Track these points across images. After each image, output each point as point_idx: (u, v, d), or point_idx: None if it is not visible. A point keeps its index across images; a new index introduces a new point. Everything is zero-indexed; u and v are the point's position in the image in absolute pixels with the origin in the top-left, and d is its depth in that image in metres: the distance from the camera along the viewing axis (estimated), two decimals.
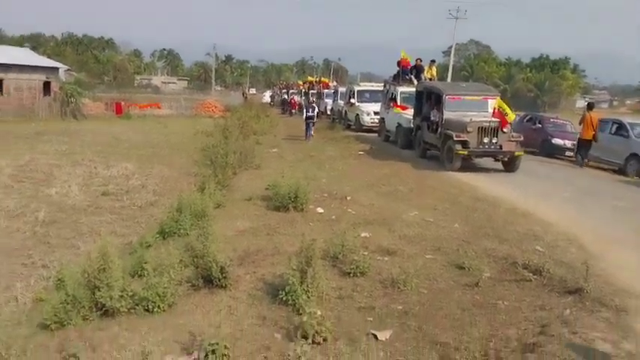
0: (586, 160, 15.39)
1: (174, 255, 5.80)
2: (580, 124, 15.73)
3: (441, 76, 64.01)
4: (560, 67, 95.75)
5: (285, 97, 44.56)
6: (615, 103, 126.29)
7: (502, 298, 5.24)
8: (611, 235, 7.35)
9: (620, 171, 14.54)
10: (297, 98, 39.43)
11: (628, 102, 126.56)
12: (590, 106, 15.94)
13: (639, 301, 4.97)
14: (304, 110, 21.36)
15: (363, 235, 7.27)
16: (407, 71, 18.71)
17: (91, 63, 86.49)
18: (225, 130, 19.46)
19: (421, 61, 18.97)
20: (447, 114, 13.25)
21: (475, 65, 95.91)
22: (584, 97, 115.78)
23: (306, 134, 19.91)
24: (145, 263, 5.65)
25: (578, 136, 15.91)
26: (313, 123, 20.05)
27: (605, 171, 14.99)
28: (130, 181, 12.16)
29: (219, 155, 12.70)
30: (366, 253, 6.41)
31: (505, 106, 12.50)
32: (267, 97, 61.06)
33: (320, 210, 8.80)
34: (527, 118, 20.44)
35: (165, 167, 14.22)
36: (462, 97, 13.65)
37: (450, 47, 50.45)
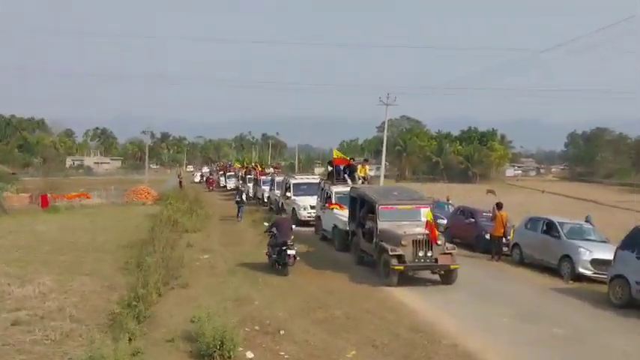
0: (497, 257, 16.66)
1: None
2: (492, 221, 17.15)
3: (377, 149, 65.60)
4: (488, 138, 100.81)
5: (208, 176, 61.09)
6: (542, 170, 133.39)
7: None
8: None
9: (556, 272, 14.62)
10: (214, 177, 56.96)
11: (553, 169, 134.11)
12: (499, 206, 17.02)
13: None
14: (236, 195, 27.03)
15: None
16: (340, 170, 18.68)
17: (16, 152, 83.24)
18: (152, 232, 18.57)
19: (354, 160, 19.06)
20: (382, 224, 13.04)
21: (408, 140, 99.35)
22: (514, 166, 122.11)
23: (238, 215, 24.92)
24: None
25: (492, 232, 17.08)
26: (242, 206, 25.30)
27: (542, 272, 15.00)
28: (46, 302, 11.02)
29: (141, 277, 11.82)
30: None
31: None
32: (197, 177, 70.85)
33: (250, 355, 8.05)
34: (460, 211, 20.71)
35: (87, 278, 13.15)
36: (396, 206, 13.53)
37: (383, 123, 51.98)
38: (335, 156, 18.88)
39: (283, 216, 15.25)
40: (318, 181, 21.41)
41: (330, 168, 20.14)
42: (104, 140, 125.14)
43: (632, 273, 11.08)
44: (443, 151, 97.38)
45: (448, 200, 27.66)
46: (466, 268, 13.55)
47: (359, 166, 18.92)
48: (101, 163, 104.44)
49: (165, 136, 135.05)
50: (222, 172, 54.35)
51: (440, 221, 19.52)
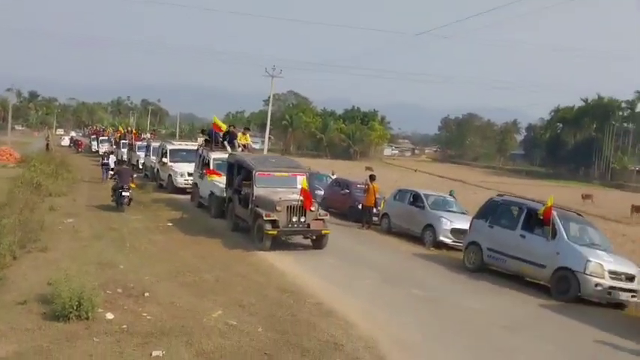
0: (367, 225, 17.37)
1: None
2: (364, 193, 17.69)
3: (263, 122, 65.55)
4: (370, 118, 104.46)
5: (76, 139, 64.22)
6: (417, 151, 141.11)
7: None
8: (408, 339, 7.52)
9: (420, 240, 15.60)
10: (83, 140, 61.12)
11: (427, 151, 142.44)
12: (372, 178, 17.77)
13: None
14: (102, 159, 27.30)
15: (154, 354, 6.42)
16: (218, 136, 18.33)
17: None
18: (11, 194, 17.03)
19: (234, 127, 18.79)
20: (258, 190, 13.04)
21: (294, 115, 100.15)
22: (391, 146, 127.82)
23: (103, 177, 25.05)
24: None
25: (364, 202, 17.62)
26: (108, 169, 25.06)
27: (407, 241, 15.93)
28: None
29: None
30: None
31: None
32: (66, 140, 70.01)
33: (110, 316, 7.68)
34: (336, 182, 21.31)
35: None
36: (272, 173, 13.59)
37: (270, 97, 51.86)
38: (214, 122, 18.45)
39: (124, 167, 19.67)
40: (196, 147, 20.86)
41: (204, 136, 19.84)
42: None
43: (485, 240, 12.14)
44: (327, 128, 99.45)
45: (333, 174, 28.31)
46: (337, 235, 14.03)
47: (239, 134, 18.65)
48: None
49: (33, 96, 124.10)
50: (94, 137, 51.15)
51: (317, 192, 19.98)
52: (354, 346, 6.97)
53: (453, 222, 15.12)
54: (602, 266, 10.27)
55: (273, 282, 9.87)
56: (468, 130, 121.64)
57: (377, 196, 17.54)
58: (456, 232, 14.83)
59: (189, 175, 20.51)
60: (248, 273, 10.40)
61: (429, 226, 15.37)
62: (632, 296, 10.48)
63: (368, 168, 62.13)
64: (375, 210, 17.72)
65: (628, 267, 10.81)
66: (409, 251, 14.39)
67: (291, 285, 9.71)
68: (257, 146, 38.14)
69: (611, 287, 10.25)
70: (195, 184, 19.06)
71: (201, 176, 18.01)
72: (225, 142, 18.05)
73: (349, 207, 19.20)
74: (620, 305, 10.62)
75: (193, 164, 19.82)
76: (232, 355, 6.56)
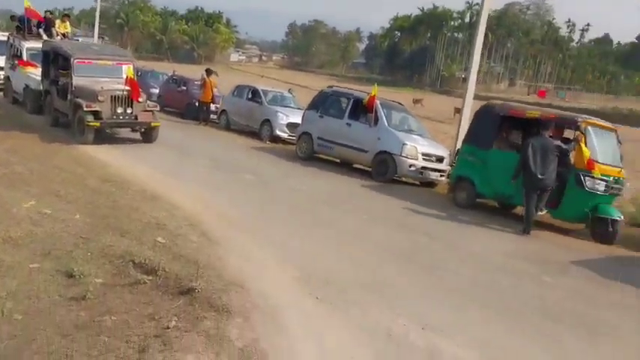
0: (204, 122, 17.06)
1: None
2: (200, 89, 17.17)
3: (94, 21, 59.69)
4: (215, 20, 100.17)
5: None
6: (264, 58, 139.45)
7: (111, 311, 4.72)
8: (233, 216, 7.68)
9: (258, 135, 15.75)
10: None
11: (275, 57, 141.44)
12: (208, 72, 17.18)
13: (241, 295, 5.15)
14: None
15: None
16: (32, 24, 16.24)
17: None
18: None
19: (51, 13, 16.74)
20: (77, 80, 11.88)
21: (130, 13, 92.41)
22: (238, 52, 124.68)
23: None
24: None
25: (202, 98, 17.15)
26: None
27: (246, 136, 16.01)
28: None
29: None
30: None
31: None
32: None
33: None
34: (172, 79, 20.39)
35: None
36: (94, 61, 12.44)
37: None
38: (26, 6, 16.19)
39: None
40: (5, 37, 18.35)
41: (15, 23, 17.51)
42: None
43: (315, 130, 12.64)
44: (168, 29, 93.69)
45: (175, 72, 26.94)
46: (172, 132, 13.66)
47: (57, 21, 16.69)
48: None
49: None
50: None
51: (152, 90, 19.01)
52: (178, 224, 6.94)
53: (289, 117, 15.43)
54: (416, 149, 11.30)
55: (95, 173, 9.33)
56: (313, 37, 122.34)
57: (215, 93, 17.12)
58: (291, 127, 15.16)
59: (1, 69, 18.15)
60: (67, 165, 9.69)
61: (267, 121, 15.56)
62: (441, 176, 11.76)
63: (208, 70, 60.26)
64: (213, 107, 17.34)
65: (439, 150, 12.04)
66: (246, 144, 14.54)
67: (115, 175, 9.27)
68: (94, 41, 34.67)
69: (424, 167, 11.40)
70: (7, 78, 16.97)
71: (14, 68, 16.08)
72: (41, 30, 16.10)
73: (186, 104, 18.57)
74: (431, 184, 11.88)
75: (4, 57, 17.53)
76: (44, 241, 6.16)
